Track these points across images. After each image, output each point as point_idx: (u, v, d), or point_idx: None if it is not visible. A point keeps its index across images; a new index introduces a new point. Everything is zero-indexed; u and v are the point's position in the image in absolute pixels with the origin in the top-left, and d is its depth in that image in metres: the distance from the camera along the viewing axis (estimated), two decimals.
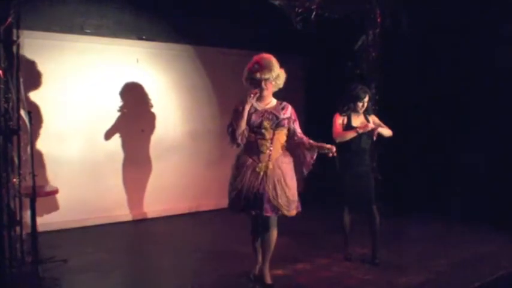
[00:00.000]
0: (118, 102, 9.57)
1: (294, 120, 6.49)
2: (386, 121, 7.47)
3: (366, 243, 7.55)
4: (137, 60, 9.82)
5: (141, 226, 9.55)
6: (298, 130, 6.50)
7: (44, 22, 8.73)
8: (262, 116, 6.29)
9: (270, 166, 6.28)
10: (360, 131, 7.09)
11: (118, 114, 9.59)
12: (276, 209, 6.29)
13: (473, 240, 8.55)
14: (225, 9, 10.00)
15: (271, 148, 6.29)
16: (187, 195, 10.57)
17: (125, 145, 9.71)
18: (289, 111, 6.46)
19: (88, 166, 9.32)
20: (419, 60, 10.31)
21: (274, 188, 6.27)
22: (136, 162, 9.89)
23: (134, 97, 9.81)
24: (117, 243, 8.55)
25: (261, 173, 6.25)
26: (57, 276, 6.71)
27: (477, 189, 9.47)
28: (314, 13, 8.99)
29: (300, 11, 8.96)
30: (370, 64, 9.84)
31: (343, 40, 10.33)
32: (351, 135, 7.13)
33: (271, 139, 6.29)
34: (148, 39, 9.93)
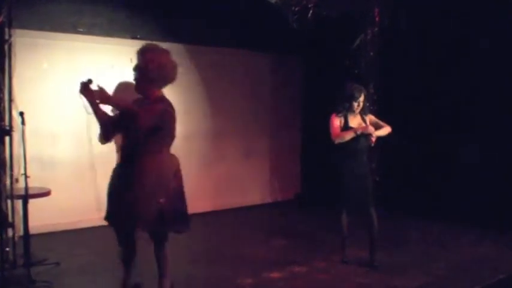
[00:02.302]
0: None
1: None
2: (384, 121, 7.40)
3: (364, 245, 7.48)
4: (131, 60, 9.63)
5: None
6: None
7: (37, 21, 8.64)
8: None
9: None
10: (358, 132, 7.02)
11: (112, 114, 9.48)
12: None
13: (472, 243, 8.53)
14: (220, 8, 9.93)
15: None
16: None
17: (118, 146, 9.58)
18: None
19: (81, 167, 9.22)
20: (418, 59, 10.25)
21: None
22: None
23: (128, 97, 9.68)
24: (110, 246, 8.38)
25: None
26: (50, 279, 6.61)
27: (477, 191, 9.42)
28: (311, 12, 8.94)
29: (296, 9, 8.92)
30: (368, 63, 9.81)
31: (340, 39, 10.28)
32: (349, 135, 7.06)
33: None
34: (143, 38, 9.81)
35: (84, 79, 5.38)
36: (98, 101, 5.40)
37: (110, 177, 5.71)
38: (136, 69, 5.55)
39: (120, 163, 5.70)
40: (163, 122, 5.39)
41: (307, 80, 12.19)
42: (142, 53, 5.52)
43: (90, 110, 5.46)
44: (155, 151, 5.45)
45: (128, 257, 5.87)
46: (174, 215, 5.56)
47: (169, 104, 5.53)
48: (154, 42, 5.90)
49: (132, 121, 5.29)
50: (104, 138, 5.62)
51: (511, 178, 9.26)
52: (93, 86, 5.40)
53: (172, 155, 5.73)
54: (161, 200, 5.40)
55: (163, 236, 5.73)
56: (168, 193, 5.49)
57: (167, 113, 5.45)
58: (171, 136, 5.60)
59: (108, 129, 5.59)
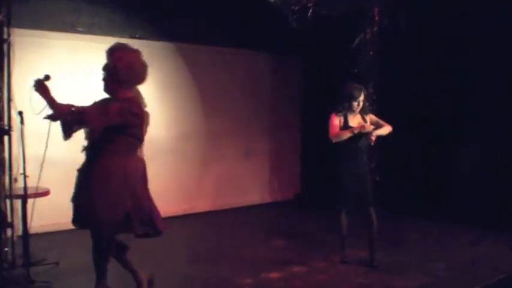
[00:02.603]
0: None
1: None
2: (383, 121, 7.38)
3: (363, 245, 7.46)
4: None
5: None
6: None
7: (35, 20, 8.62)
8: None
9: None
10: (356, 131, 6.99)
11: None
12: None
13: (472, 243, 8.51)
14: (220, 8, 9.92)
15: None
16: (182, 196, 10.48)
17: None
18: None
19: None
20: (418, 59, 10.23)
21: None
22: None
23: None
24: None
25: None
26: (49, 279, 6.61)
27: (477, 191, 9.41)
28: (310, 11, 8.92)
29: (296, 8, 8.90)
30: (367, 63, 9.80)
31: (340, 39, 10.26)
32: (346, 135, 7.03)
33: None
34: (142, 38, 9.82)
35: (41, 76, 5.27)
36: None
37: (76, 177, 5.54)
38: (105, 69, 5.39)
39: (84, 163, 5.50)
40: (122, 122, 5.21)
41: (307, 80, 12.17)
42: (110, 53, 5.36)
43: (37, 110, 5.36)
44: (120, 153, 5.30)
45: (101, 260, 5.76)
46: (141, 218, 5.39)
47: (132, 105, 5.36)
48: (123, 42, 5.67)
49: (81, 121, 5.18)
50: (65, 134, 5.38)
51: (511, 178, 9.25)
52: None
53: (139, 158, 5.62)
54: (128, 204, 5.26)
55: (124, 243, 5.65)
56: (135, 196, 5.33)
57: (126, 113, 5.24)
58: (137, 137, 5.45)
59: (68, 127, 5.33)
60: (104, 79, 5.41)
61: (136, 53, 5.46)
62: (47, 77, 5.31)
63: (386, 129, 7.29)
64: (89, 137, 5.42)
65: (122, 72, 5.28)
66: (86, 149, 5.46)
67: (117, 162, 5.25)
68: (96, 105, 5.34)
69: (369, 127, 7.02)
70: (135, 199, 5.31)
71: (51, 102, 5.22)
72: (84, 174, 5.39)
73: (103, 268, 5.73)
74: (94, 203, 5.18)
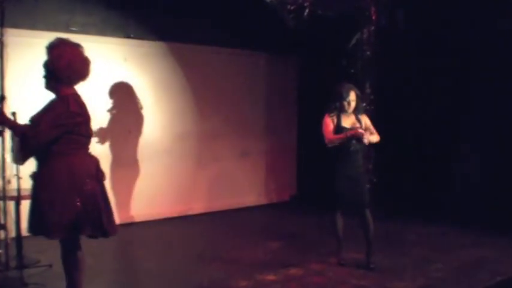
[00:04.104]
0: (105, 102, 9.43)
1: None
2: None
3: (360, 247, 7.41)
4: (125, 59, 9.69)
5: (128, 230, 9.36)
6: None
7: (29, 20, 8.59)
8: None
9: None
10: (349, 134, 6.94)
11: (105, 114, 9.44)
12: None
13: (471, 245, 8.47)
14: (215, 7, 9.90)
15: None
16: (177, 198, 10.47)
17: (111, 146, 9.57)
18: None
19: None
20: (415, 59, 10.22)
21: None
22: (123, 164, 9.72)
23: (122, 97, 9.67)
24: (104, 248, 8.35)
25: None
26: (42, 282, 6.58)
27: (475, 192, 9.40)
28: (307, 10, 8.88)
29: (292, 8, 8.86)
30: (364, 63, 9.75)
31: (337, 38, 10.22)
32: (339, 139, 7.01)
33: None
34: (137, 37, 9.81)
35: None
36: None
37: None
38: (45, 66, 5.27)
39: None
40: (60, 132, 5.08)
41: (303, 80, 12.15)
42: (50, 50, 5.26)
43: None
44: (64, 152, 5.12)
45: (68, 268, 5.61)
46: (90, 219, 5.18)
47: (71, 104, 5.20)
48: (67, 39, 5.59)
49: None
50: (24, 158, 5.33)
51: (510, 180, 9.22)
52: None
53: (90, 156, 5.42)
54: (77, 203, 5.07)
55: (76, 243, 5.44)
56: (83, 196, 5.11)
57: (63, 119, 5.10)
58: (82, 135, 5.29)
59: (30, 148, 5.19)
60: (45, 76, 5.29)
61: (77, 48, 5.34)
62: (2, 98, 5.24)
63: (375, 138, 7.30)
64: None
65: (62, 70, 5.17)
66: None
67: (61, 162, 5.10)
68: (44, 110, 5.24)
69: (361, 132, 6.93)
70: (85, 198, 5.12)
71: (9, 123, 5.29)
72: (33, 179, 5.25)
73: (73, 278, 5.56)
74: (40, 206, 5.07)
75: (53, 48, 5.25)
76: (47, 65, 5.25)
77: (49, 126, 5.02)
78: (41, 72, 5.31)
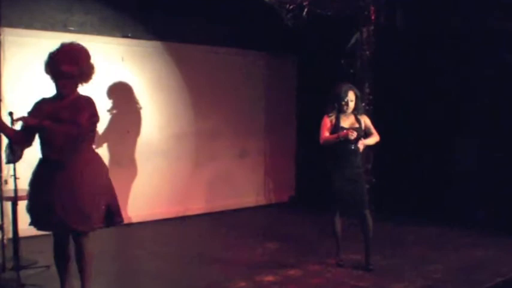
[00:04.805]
0: (102, 102, 9.37)
1: None
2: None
3: (359, 248, 7.40)
4: (122, 59, 9.66)
5: (126, 231, 9.33)
6: None
7: (26, 19, 8.57)
8: None
9: None
10: (341, 137, 6.91)
11: (102, 114, 9.39)
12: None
13: (470, 246, 8.46)
14: (213, 6, 9.88)
15: None
16: (175, 198, 10.45)
17: (109, 147, 9.54)
18: None
19: None
20: (415, 59, 10.23)
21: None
22: (121, 164, 9.68)
23: (119, 97, 9.65)
24: (101, 249, 8.32)
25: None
26: (39, 283, 6.56)
27: (475, 194, 9.39)
28: (306, 10, 8.84)
29: (291, 7, 8.82)
30: (364, 62, 9.73)
31: (336, 38, 10.21)
32: (332, 139, 7.00)
33: None
34: (134, 37, 9.79)
35: None
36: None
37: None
38: (79, 66, 5.38)
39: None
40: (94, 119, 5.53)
41: (302, 80, 12.13)
42: (82, 51, 5.45)
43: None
44: (91, 149, 5.64)
45: (62, 262, 5.79)
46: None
47: (94, 103, 5.52)
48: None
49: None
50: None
51: (510, 180, 9.21)
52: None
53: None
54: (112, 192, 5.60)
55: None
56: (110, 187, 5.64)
57: (94, 111, 5.51)
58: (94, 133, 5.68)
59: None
60: (70, 78, 5.36)
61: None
62: None
63: (373, 139, 7.30)
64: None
65: (92, 73, 5.43)
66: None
67: (95, 155, 5.65)
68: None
69: (352, 135, 6.89)
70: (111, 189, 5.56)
71: (5, 129, 5.48)
72: (68, 174, 5.41)
73: (61, 275, 5.81)
74: (83, 198, 5.34)
75: (83, 51, 5.40)
76: (82, 66, 5.35)
77: (89, 123, 5.36)
78: (64, 72, 5.32)
